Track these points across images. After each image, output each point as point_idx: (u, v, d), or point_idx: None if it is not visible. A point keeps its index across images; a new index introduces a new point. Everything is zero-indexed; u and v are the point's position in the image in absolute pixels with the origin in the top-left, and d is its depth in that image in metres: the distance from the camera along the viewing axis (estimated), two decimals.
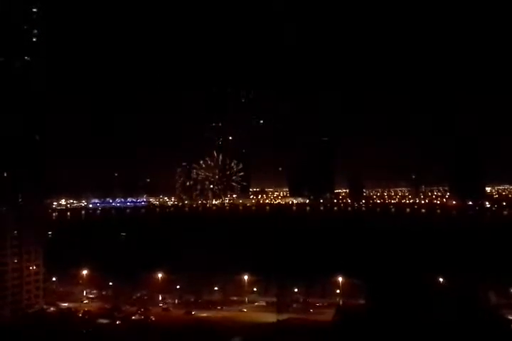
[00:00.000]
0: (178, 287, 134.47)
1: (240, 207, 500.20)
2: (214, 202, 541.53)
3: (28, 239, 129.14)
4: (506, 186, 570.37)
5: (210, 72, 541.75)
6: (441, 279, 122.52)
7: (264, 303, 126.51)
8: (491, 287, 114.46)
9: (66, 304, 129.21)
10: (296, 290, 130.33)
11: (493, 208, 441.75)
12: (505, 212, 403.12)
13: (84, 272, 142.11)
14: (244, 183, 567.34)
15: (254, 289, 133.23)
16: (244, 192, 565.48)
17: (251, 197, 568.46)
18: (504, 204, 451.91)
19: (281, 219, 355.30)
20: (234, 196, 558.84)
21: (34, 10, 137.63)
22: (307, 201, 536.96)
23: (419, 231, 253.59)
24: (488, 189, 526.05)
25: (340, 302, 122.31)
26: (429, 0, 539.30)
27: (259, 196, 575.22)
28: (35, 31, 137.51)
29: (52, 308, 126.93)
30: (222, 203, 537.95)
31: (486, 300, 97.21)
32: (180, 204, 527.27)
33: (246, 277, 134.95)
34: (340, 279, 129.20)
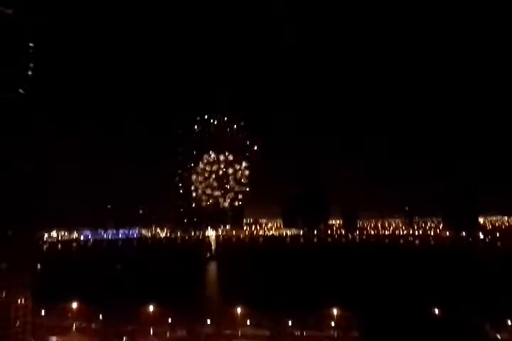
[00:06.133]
0: (169, 320, 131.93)
1: (233, 239, 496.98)
2: (207, 233, 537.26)
3: (17, 272, 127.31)
4: (498, 217, 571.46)
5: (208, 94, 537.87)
6: (437, 311, 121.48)
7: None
8: (487, 319, 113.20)
9: (55, 338, 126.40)
10: (290, 322, 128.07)
11: (487, 239, 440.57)
12: (498, 243, 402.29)
13: (74, 305, 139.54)
14: (238, 214, 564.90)
15: (248, 322, 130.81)
16: (237, 224, 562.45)
17: (244, 228, 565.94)
18: (498, 235, 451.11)
19: (275, 250, 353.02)
20: (227, 227, 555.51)
21: (30, 45, 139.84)
22: (301, 232, 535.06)
23: (414, 262, 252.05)
24: (480, 220, 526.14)
25: (335, 335, 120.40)
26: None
27: (253, 227, 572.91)
28: (31, 65, 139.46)
29: None
30: (216, 235, 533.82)
31: (482, 332, 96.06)
32: (172, 236, 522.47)
33: (239, 309, 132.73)
34: (335, 312, 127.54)
